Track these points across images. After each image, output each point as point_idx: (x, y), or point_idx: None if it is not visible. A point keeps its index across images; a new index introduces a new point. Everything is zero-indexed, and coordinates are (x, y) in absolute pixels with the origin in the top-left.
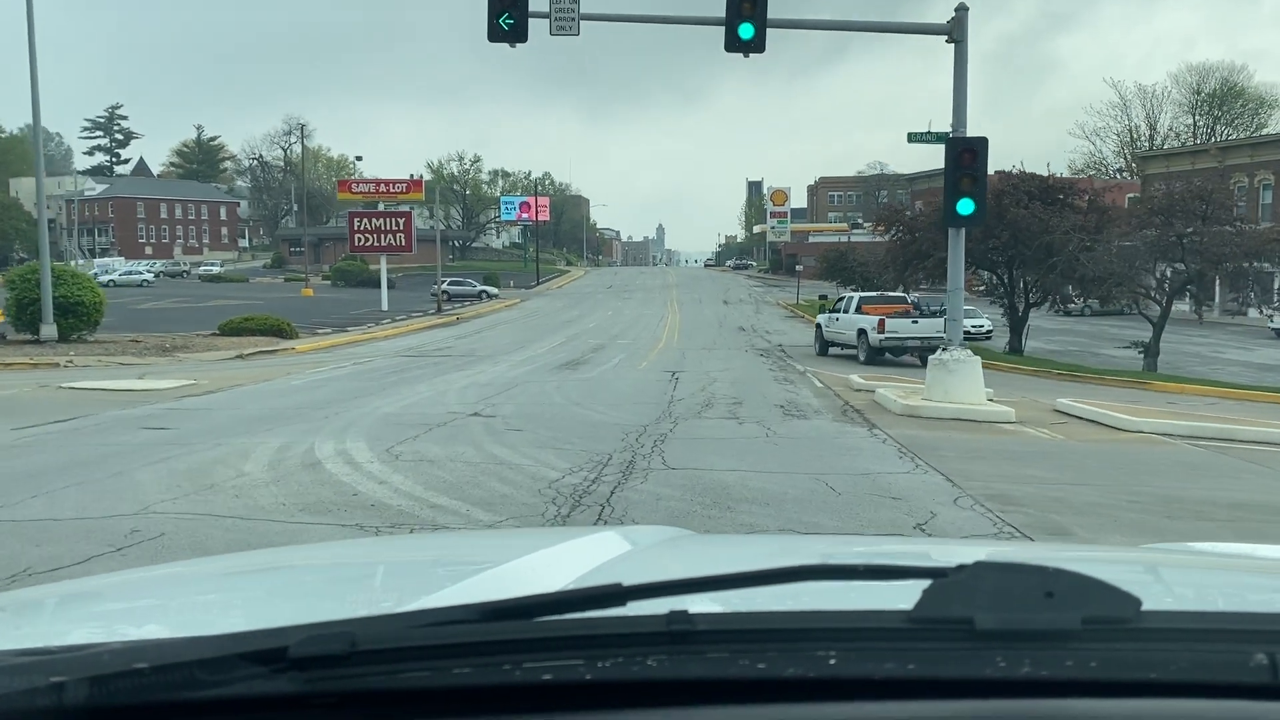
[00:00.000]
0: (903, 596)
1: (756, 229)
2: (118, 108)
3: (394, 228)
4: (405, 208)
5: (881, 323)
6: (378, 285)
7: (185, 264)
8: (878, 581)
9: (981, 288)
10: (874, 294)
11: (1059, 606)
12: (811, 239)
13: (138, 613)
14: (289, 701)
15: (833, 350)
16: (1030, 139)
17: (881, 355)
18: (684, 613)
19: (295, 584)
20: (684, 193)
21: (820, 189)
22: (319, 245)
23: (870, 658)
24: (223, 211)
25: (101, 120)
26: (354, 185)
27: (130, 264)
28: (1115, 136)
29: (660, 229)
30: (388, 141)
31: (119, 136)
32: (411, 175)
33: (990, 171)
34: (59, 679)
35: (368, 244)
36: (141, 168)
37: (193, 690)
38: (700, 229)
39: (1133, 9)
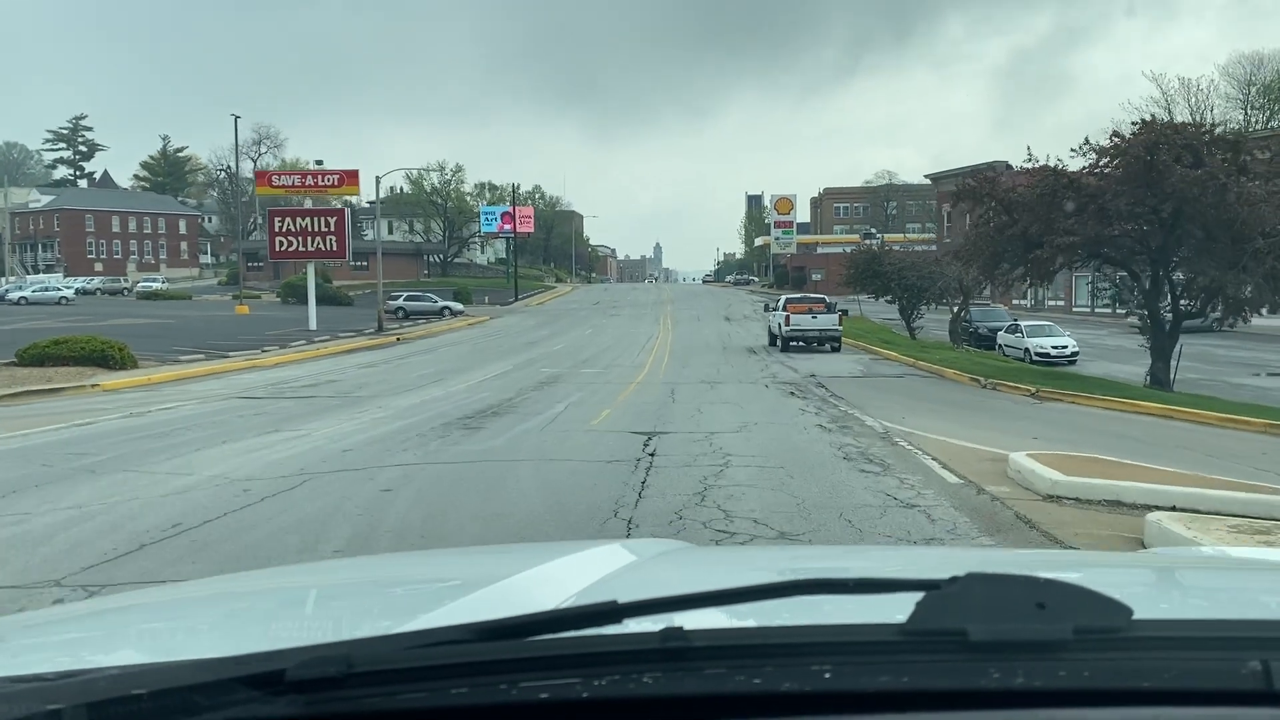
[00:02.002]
0: (896, 609)
1: (758, 242)
2: (82, 118)
3: (323, 229)
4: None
5: (788, 318)
6: (334, 302)
7: (128, 280)
8: (871, 594)
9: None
10: (797, 296)
11: (1051, 617)
12: (820, 250)
13: (135, 637)
14: None
15: (778, 342)
16: (1042, 154)
17: (791, 344)
18: (679, 629)
19: (291, 606)
20: (683, 213)
21: (825, 200)
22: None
23: (865, 671)
24: (183, 225)
25: (65, 132)
26: (274, 178)
27: (52, 280)
28: None
29: (658, 247)
30: (390, 162)
31: (83, 149)
32: (394, 181)
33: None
34: (56, 706)
35: (291, 249)
36: (106, 182)
37: (190, 715)
38: (699, 248)
39: (1147, 25)
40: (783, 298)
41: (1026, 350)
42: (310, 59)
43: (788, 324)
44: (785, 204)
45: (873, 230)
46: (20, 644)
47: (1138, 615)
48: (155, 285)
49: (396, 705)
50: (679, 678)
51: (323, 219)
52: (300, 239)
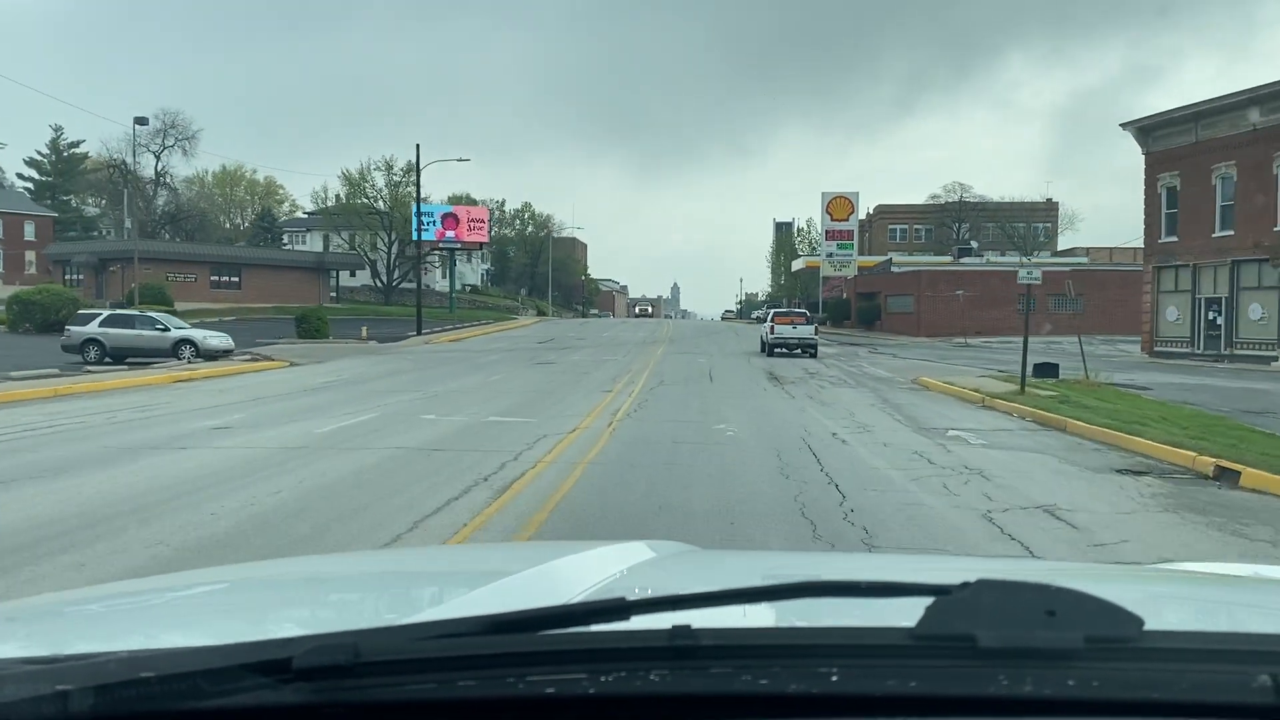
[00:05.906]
0: (906, 613)
1: (796, 265)
2: None
3: None
4: None
5: (772, 328)
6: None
7: None
8: (881, 599)
9: None
10: (783, 310)
11: (1061, 625)
12: (896, 269)
13: (145, 622)
14: (294, 712)
15: (765, 349)
16: (1098, 199)
17: (774, 350)
18: (687, 627)
19: (303, 595)
20: (707, 256)
21: (877, 221)
22: (103, 268)
23: (873, 675)
24: (29, 230)
25: None
26: None
27: None
28: None
29: (675, 287)
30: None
31: None
32: None
33: None
34: (65, 687)
35: None
36: None
37: (198, 700)
38: (720, 293)
39: (1212, 68)
40: (771, 311)
41: None
42: (344, 94)
43: (772, 333)
44: (844, 205)
45: (973, 244)
46: (32, 627)
47: (1149, 626)
48: None
49: (403, 696)
50: (685, 676)
51: None
52: None
